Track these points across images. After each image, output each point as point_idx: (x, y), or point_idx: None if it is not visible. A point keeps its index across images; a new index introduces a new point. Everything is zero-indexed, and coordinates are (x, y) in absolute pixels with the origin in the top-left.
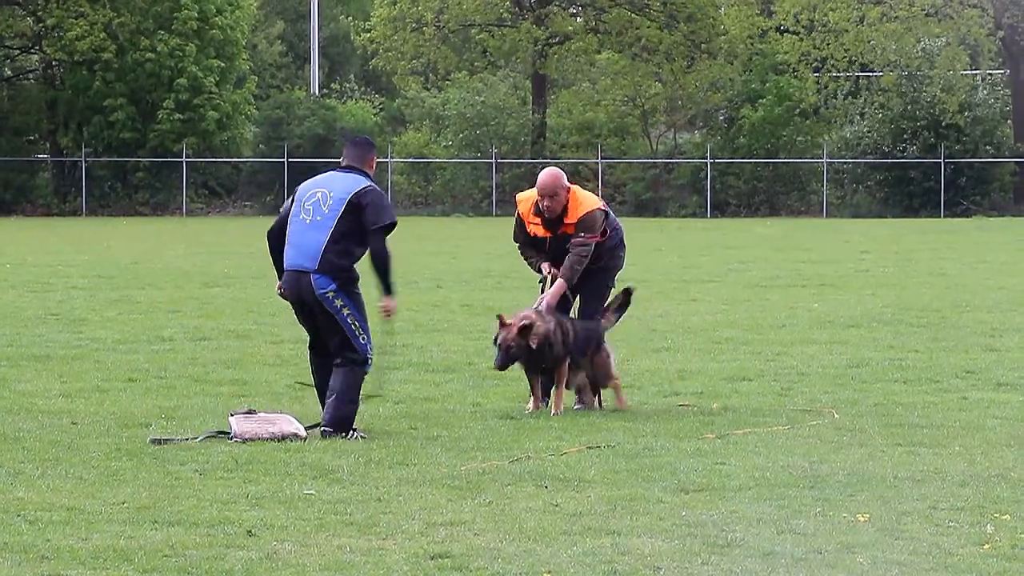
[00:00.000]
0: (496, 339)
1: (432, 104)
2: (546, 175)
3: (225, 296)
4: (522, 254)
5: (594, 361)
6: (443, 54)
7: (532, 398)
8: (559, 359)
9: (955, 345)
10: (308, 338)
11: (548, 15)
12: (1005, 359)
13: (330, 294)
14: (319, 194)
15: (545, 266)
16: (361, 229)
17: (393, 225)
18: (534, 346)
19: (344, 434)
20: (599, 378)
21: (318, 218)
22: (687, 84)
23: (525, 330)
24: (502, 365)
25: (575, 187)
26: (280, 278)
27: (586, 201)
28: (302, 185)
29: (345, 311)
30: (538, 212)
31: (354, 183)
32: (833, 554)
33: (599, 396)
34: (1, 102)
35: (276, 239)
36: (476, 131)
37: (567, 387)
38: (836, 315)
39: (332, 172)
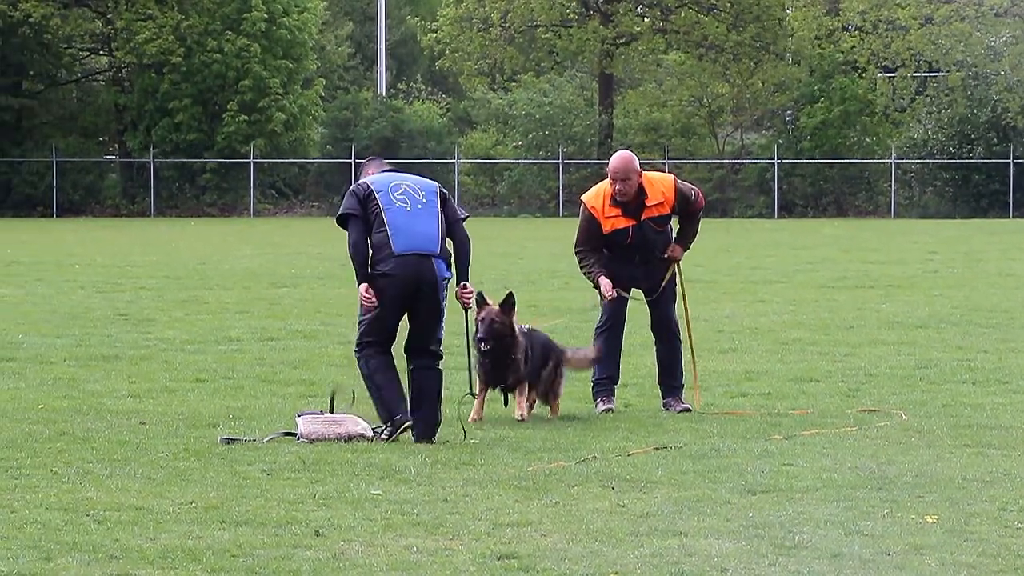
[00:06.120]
0: (478, 317)
1: (499, 105)
2: (618, 158)
3: (292, 296)
4: (582, 262)
5: (546, 378)
6: (509, 55)
7: (477, 403)
8: (520, 377)
9: None
10: (383, 338)
11: (615, 15)
12: None
13: (444, 282)
14: (404, 185)
15: (606, 284)
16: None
17: (465, 219)
18: (512, 323)
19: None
20: (546, 394)
21: (419, 206)
22: (753, 84)
23: (507, 307)
24: (485, 336)
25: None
26: (365, 280)
27: (661, 177)
28: (372, 180)
29: (444, 302)
30: (615, 203)
31: (424, 180)
32: (901, 556)
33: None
34: (70, 103)
35: (365, 248)
36: (543, 132)
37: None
38: (904, 316)
39: (391, 172)
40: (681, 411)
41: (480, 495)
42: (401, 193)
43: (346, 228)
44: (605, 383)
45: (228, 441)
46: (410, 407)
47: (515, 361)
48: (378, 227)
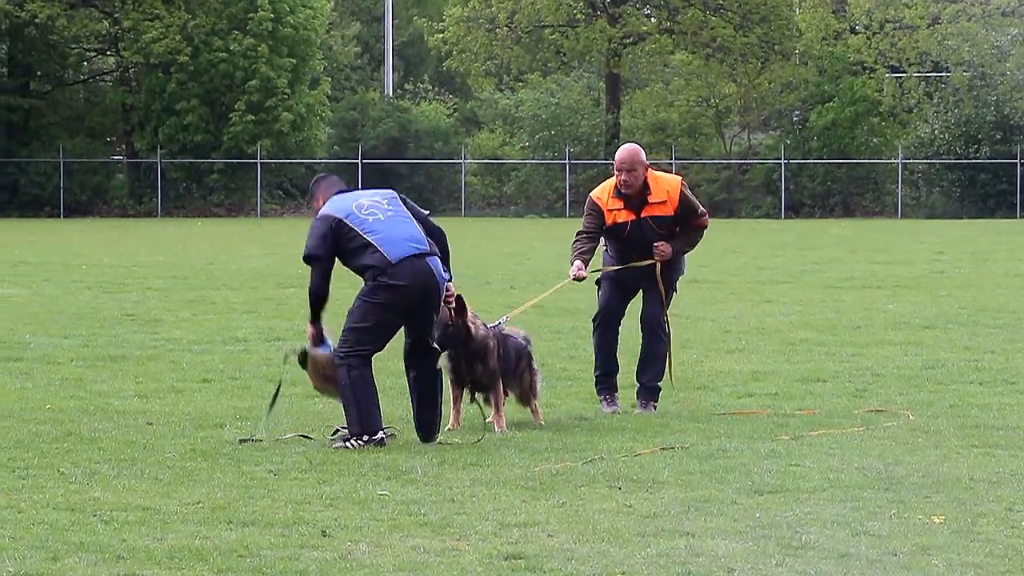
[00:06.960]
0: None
1: (505, 105)
2: (625, 149)
3: (299, 297)
4: (573, 245)
5: (521, 378)
6: (516, 55)
7: (453, 412)
8: (493, 373)
9: None
10: (374, 350)
11: (622, 15)
12: None
13: (444, 284)
14: (365, 201)
15: (574, 267)
16: None
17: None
18: (467, 324)
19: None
20: (525, 396)
21: (390, 214)
22: (760, 85)
23: (461, 309)
24: (440, 343)
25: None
26: (316, 321)
27: (668, 177)
28: (334, 210)
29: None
30: (619, 195)
31: (378, 189)
32: (908, 556)
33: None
34: (77, 104)
35: (326, 293)
36: (549, 132)
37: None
38: (911, 316)
39: (344, 192)
40: (638, 413)
41: (487, 495)
42: (367, 209)
43: (310, 266)
44: (604, 379)
45: (244, 440)
46: (413, 409)
47: (480, 358)
48: (368, 251)
